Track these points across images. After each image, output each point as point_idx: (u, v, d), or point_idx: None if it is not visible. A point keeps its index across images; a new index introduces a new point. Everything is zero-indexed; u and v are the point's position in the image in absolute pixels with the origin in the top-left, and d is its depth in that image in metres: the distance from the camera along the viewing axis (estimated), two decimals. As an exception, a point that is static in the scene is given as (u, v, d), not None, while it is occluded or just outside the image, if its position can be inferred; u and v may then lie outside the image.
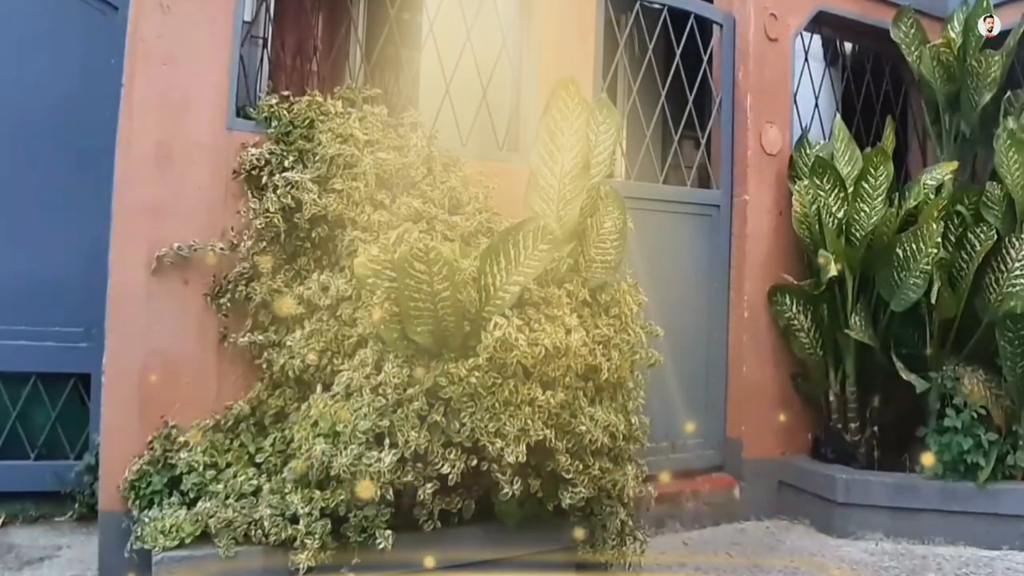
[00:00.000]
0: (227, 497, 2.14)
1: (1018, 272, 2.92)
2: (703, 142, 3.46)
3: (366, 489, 2.01)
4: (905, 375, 3.00)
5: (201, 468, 2.23)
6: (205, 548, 2.03)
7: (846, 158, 3.27)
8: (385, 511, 2.08)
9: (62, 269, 2.93)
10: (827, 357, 3.23)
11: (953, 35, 3.51)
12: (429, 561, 2.20)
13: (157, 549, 2.01)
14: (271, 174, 2.41)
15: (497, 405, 2.05)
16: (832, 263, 2.98)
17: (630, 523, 2.39)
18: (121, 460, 2.29)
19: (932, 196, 3.05)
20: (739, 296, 3.35)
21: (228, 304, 2.41)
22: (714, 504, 3.19)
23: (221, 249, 2.40)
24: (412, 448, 2.04)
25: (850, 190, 3.07)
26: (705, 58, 3.44)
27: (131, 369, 2.33)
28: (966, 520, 2.93)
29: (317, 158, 2.40)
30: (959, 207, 3.12)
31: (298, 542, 2.01)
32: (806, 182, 3.23)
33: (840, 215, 3.07)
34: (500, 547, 2.31)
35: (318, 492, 2.04)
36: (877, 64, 3.85)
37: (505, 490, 2.13)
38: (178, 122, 2.40)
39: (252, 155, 2.43)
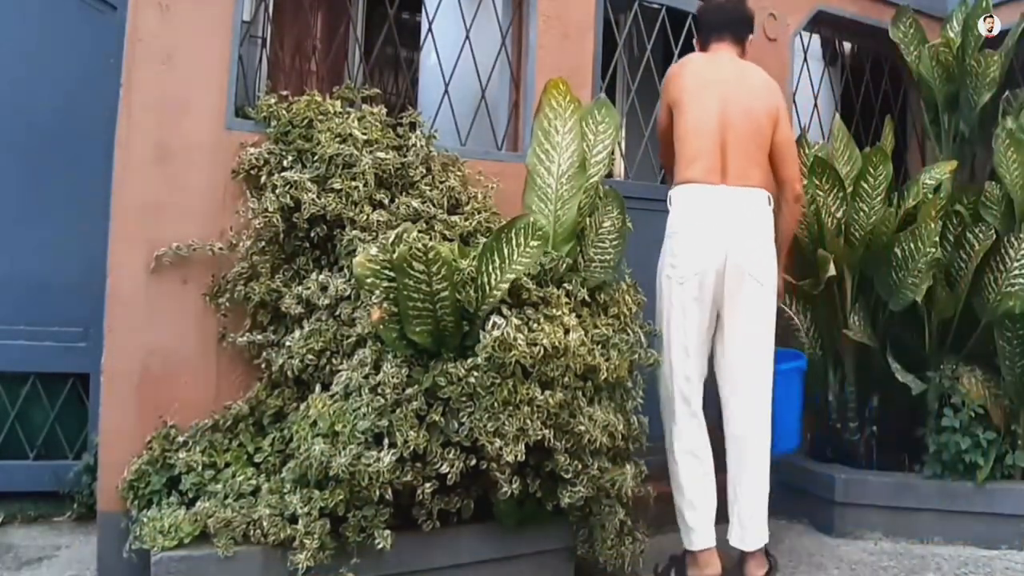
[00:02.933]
0: (226, 497, 2.14)
1: (1017, 272, 2.92)
2: (702, 142, 3.46)
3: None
4: (901, 376, 3.00)
5: (200, 468, 2.23)
6: (204, 548, 2.03)
7: (845, 158, 3.27)
8: (384, 511, 2.08)
9: (61, 269, 2.93)
10: (826, 357, 3.23)
11: (952, 35, 3.51)
12: (428, 561, 2.21)
13: (156, 549, 2.01)
14: (270, 174, 2.41)
15: (496, 405, 2.05)
16: (831, 263, 2.98)
17: (629, 523, 2.39)
18: (120, 460, 2.29)
19: (931, 196, 3.05)
20: (738, 296, 3.34)
21: (227, 304, 2.41)
22: (713, 504, 3.18)
23: (220, 249, 2.40)
24: (411, 448, 2.04)
25: (849, 190, 3.07)
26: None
27: (130, 369, 2.33)
28: (965, 520, 2.93)
29: (316, 158, 2.40)
30: (958, 206, 3.12)
31: (297, 542, 2.01)
32: (805, 182, 3.23)
33: (839, 215, 3.07)
34: (499, 547, 2.31)
35: (317, 492, 2.04)
36: (876, 64, 3.85)
37: (504, 489, 2.13)
38: (177, 122, 2.40)
39: (251, 155, 2.43)
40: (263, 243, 2.40)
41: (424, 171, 2.52)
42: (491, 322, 2.07)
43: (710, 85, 2.54)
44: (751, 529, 2.48)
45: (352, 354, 2.20)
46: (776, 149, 2.60)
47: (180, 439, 2.32)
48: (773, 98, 2.62)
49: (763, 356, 2.53)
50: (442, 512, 2.18)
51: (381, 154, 2.43)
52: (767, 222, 2.54)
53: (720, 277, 2.44)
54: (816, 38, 3.75)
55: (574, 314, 2.24)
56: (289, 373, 2.29)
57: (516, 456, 2.06)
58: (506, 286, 2.11)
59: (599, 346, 2.25)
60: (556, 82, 2.45)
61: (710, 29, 2.71)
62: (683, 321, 2.46)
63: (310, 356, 2.26)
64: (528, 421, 2.08)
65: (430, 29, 2.91)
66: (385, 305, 2.10)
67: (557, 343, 2.09)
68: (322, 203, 2.33)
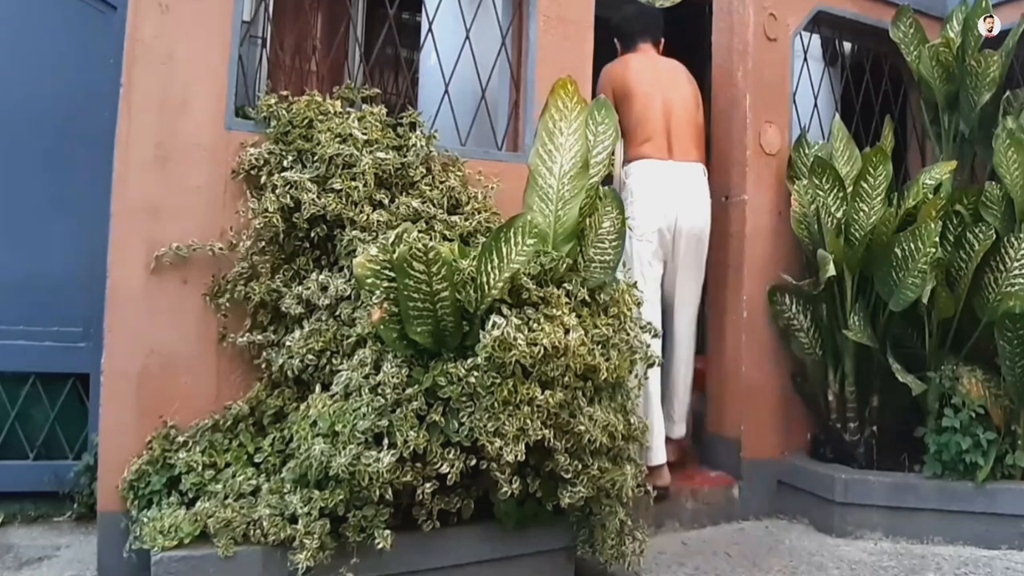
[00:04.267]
0: (226, 497, 2.14)
1: (1017, 272, 2.92)
2: (702, 142, 3.47)
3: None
4: (901, 377, 3.00)
5: (200, 468, 2.23)
6: (204, 548, 2.03)
7: (845, 158, 3.27)
8: (384, 511, 2.08)
9: (61, 269, 2.93)
10: (826, 357, 3.23)
11: (952, 35, 3.50)
12: (428, 561, 2.21)
13: (156, 549, 2.01)
14: (270, 174, 2.41)
15: (496, 405, 2.05)
16: (830, 263, 2.98)
17: (629, 523, 2.40)
18: (120, 460, 2.29)
19: (931, 196, 3.05)
20: (738, 296, 3.35)
21: (227, 304, 2.41)
22: (713, 504, 3.19)
23: (220, 249, 2.40)
24: (411, 448, 2.04)
25: (849, 190, 3.07)
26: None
27: (130, 369, 2.33)
28: (965, 519, 2.93)
29: (316, 158, 2.40)
30: (958, 207, 3.12)
31: (297, 542, 2.01)
32: (805, 182, 3.23)
33: (839, 215, 3.07)
34: (499, 547, 2.31)
35: (317, 492, 2.04)
36: (876, 64, 3.85)
37: (504, 489, 2.13)
38: (177, 122, 2.40)
39: (251, 155, 2.43)
40: (263, 243, 2.40)
41: (424, 171, 2.52)
42: (491, 322, 2.07)
43: (652, 81, 3.20)
44: (678, 422, 3.27)
45: (352, 354, 2.20)
46: (699, 131, 3.26)
47: (180, 439, 2.32)
48: (695, 89, 3.28)
49: (698, 292, 3.29)
50: (442, 512, 2.18)
51: (381, 154, 2.43)
52: (705, 189, 3.22)
53: (672, 234, 3.12)
54: (816, 38, 3.75)
55: (574, 314, 2.24)
56: (289, 373, 2.29)
57: (516, 456, 2.06)
58: (503, 284, 2.11)
59: (599, 346, 2.25)
60: (564, 82, 2.44)
61: (636, 34, 3.33)
62: (649, 270, 3.09)
63: (310, 356, 2.26)
64: (528, 421, 2.08)
65: (430, 29, 2.91)
66: (385, 305, 2.10)
67: (557, 343, 2.10)
68: (322, 203, 2.33)
